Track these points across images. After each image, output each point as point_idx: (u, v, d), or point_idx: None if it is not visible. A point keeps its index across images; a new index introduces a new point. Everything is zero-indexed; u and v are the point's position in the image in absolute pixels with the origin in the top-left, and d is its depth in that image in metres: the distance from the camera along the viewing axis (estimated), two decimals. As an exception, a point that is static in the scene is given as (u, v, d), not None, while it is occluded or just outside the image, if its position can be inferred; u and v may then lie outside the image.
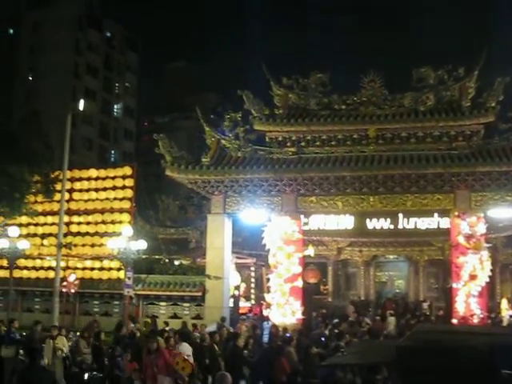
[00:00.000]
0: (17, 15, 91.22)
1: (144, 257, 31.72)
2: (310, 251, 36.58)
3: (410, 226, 31.03)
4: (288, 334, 23.27)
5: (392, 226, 31.17)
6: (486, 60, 31.49)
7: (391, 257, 47.81)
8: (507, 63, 33.45)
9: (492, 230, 32.93)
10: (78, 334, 23.75)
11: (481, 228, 29.81)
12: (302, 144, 32.05)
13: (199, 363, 18.98)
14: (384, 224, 31.19)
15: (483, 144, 30.73)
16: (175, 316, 33.05)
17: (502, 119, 31.06)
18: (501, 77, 30.74)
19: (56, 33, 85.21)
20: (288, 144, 32.06)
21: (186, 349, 18.30)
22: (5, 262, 33.54)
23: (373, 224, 31.31)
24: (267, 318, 30.72)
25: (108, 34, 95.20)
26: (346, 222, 31.51)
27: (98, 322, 25.92)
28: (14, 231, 29.48)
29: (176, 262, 38.33)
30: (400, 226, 31.08)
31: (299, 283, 31.17)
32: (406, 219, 30.86)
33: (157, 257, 36.64)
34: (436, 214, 30.62)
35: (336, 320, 29.77)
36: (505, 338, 9.03)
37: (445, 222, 30.56)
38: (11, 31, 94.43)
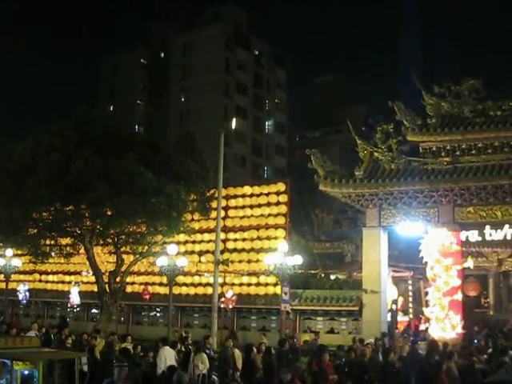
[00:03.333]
0: (167, 39, 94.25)
1: (300, 272, 31.86)
2: (470, 263, 35.59)
3: None
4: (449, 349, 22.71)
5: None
6: None
7: (555, 267, 45.85)
8: None
9: None
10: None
11: None
12: (457, 153, 31.30)
13: (359, 379, 18.80)
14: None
15: None
16: (332, 331, 32.97)
17: None
18: None
19: (205, 53, 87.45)
20: (442, 154, 31.41)
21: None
22: (164, 279, 34.44)
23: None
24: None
25: (256, 52, 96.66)
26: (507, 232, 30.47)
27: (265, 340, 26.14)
28: (172, 249, 30.23)
29: (332, 277, 38.29)
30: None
31: (459, 296, 30.42)
32: None
33: (312, 271, 36.70)
34: None
35: (500, 334, 28.87)
36: None
37: None
38: (162, 55, 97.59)
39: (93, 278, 34.47)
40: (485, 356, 22.54)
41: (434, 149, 31.59)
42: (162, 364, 19.69)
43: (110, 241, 33.17)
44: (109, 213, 30.69)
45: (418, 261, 31.80)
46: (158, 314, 40.39)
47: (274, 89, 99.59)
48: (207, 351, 21.60)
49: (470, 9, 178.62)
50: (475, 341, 29.54)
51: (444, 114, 32.43)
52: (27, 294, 41.41)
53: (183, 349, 22.77)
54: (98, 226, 31.81)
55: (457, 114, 32.33)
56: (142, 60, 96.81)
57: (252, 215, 37.44)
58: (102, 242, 33.56)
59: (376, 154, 32.07)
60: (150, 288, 38.84)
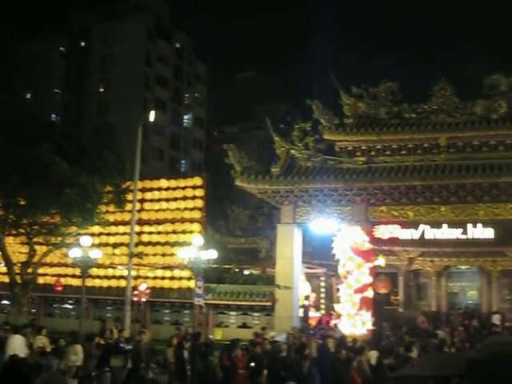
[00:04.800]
0: (88, 28, 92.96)
1: (214, 266, 31.92)
2: (381, 261, 36.31)
3: (483, 235, 30.62)
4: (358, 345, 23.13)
5: (464, 236, 30.78)
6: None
7: (463, 267, 46.94)
8: None
9: None
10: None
11: (557, 238, 29.23)
12: (372, 153, 31.91)
13: (273, 374, 18.94)
14: (455, 234, 30.83)
15: (558, 152, 30.12)
16: (245, 325, 33.17)
17: None
18: None
19: (126, 44, 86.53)
20: (358, 153, 31.95)
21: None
22: (77, 271, 34.11)
23: (444, 234, 30.96)
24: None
25: (178, 46, 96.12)
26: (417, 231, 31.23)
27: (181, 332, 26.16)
28: (86, 241, 29.92)
29: (246, 272, 38.52)
30: (471, 236, 30.69)
31: (369, 293, 31.01)
32: (477, 229, 30.44)
33: (227, 266, 36.83)
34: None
35: (407, 331, 29.54)
36: None
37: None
38: (82, 44, 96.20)
39: (4, 269, 33.92)
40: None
41: (349, 148, 32.10)
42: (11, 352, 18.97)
43: (23, 231, 32.71)
44: (22, 203, 30.22)
45: (331, 258, 32.21)
46: (70, 307, 39.94)
47: (195, 83, 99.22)
48: (121, 345, 21.47)
49: (391, 10, 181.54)
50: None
51: (361, 115, 32.99)
52: None
53: (102, 342, 22.62)
54: (11, 216, 31.30)
55: (373, 115, 32.93)
56: (61, 48, 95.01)
57: (168, 209, 37.37)
58: (14, 232, 33.03)
59: (293, 151, 32.38)
60: (62, 280, 38.42)
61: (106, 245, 37.85)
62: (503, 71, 32.19)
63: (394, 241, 33.57)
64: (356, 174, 30.79)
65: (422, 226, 31.17)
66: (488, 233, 30.93)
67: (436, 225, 31.03)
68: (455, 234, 31.01)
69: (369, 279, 30.95)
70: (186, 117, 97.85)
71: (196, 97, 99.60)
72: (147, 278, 36.84)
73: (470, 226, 30.68)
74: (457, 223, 30.71)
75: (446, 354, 18.53)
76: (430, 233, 31.29)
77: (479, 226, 30.69)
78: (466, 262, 45.53)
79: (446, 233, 31.11)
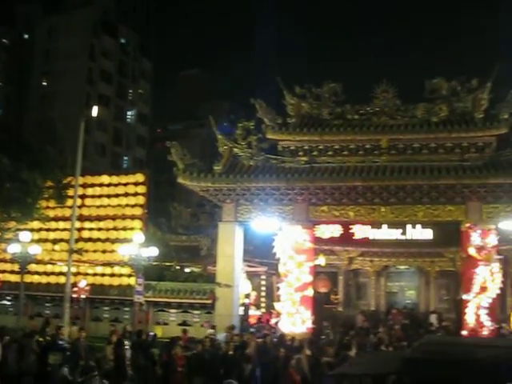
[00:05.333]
0: (32, 21, 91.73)
1: (155, 264, 31.76)
2: (321, 260, 36.57)
3: (422, 236, 31.14)
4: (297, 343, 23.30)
5: (403, 237, 31.25)
6: (500, 71, 31.51)
7: (402, 267, 47.62)
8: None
9: (503, 241, 32.87)
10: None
11: (492, 240, 29.79)
12: (314, 153, 32.10)
13: (214, 373, 18.97)
14: (395, 234, 31.27)
15: (495, 156, 30.72)
16: (185, 323, 33.09)
17: (515, 131, 31.05)
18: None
19: (71, 38, 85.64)
20: (300, 153, 32.12)
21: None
22: (16, 267, 33.54)
23: (384, 234, 31.39)
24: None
25: (122, 41, 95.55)
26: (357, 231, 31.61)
27: (119, 330, 26.00)
28: (25, 236, 29.52)
29: (187, 270, 38.45)
30: (410, 237, 31.17)
31: (309, 292, 31.20)
32: (417, 230, 30.94)
33: (168, 264, 36.70)
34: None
35: (346, 330, 29.86)
36: (510, 350, 9.04)
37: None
38: (26, 36, 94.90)
39: None
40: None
41: (292, 148, 32.25)
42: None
43: (-39, 225, 32.18)
44: (-40, 197, 29.77)
45: (272, 256, 32.30)
46: (8, 303, 39.29)
47: (139, 79, 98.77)
48: (60, 342, 21.28)
49: (338, 12, 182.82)
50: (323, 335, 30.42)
51: (304, 115, 33.16)
52: None
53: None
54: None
55: (316, 115, 33.13)
56: (3, 40, 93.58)
57: (109, 205, 37.05)
58: (-50, 226, 32.50)
59: (236, 149, 32.42)
60: (0, 276, 37.83)
61: (46, 240, 37.34)
62: (444, 75, 32.72)
63: (334, 240, 33.86)
64: (298, 174, 30.96)
65: (362, 227, 31.53)
66: (427, 234, 31.46)
67: (376, 225, 31.42)
68: (395, 234, 31.45)
69: (309, 278, 31.15)
70: (129, 113, 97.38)
71: (140, 93, 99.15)
72: (87, 274, 36.50)
73: (409, 226, 31.14)
74: (396, 224, 31.14)
75: (383, 353, 18.80)
76: (370, 233, 31.68)
77: (418, 227, 31.18)
78: (404, 263, 46.22)
79: (386, 233, 31.54)
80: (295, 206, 31.38)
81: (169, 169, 34.53)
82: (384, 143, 31.30)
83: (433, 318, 38.66)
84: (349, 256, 44.86)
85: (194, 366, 19.36)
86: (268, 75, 34.45)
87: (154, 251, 28.85)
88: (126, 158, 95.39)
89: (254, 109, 32.43)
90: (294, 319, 30.58)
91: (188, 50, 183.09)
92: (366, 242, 33.35)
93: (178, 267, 37.43)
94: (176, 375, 19.07)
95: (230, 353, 20.88)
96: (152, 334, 26.93)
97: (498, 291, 30.06)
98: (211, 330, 26.65)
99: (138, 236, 29.19)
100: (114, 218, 36.71)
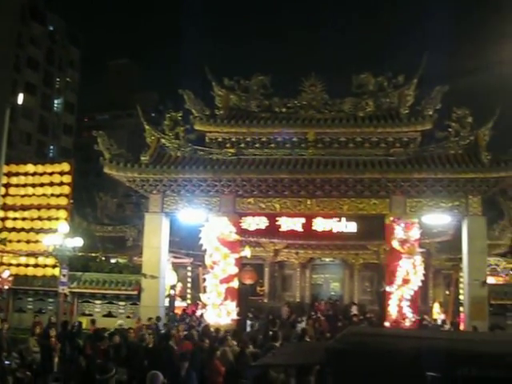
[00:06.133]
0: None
1: (80, 254, 31.49)
2: (247, 252, 36.69)
3: (347, 229, 31.58)
4: (221, 334, 23.38)
5: (328, 229, 31.61)
6: (426, 68, 32.09)
7: (327, 259, 48.18)
8: (446, 72, 34.08)
9: (426, 235, 33.59)
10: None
11: (415, 233, 30.33)
12: (242, 145, 32.19)
13: (138, 364, 18.88)
14: (321, 227, 31.62)
15: (420, 151, 31.27)
16: (110, 314, 32.83)
17: (439, 127, 31.70)
18: (439, 85, 31.37)
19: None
20: (227, 145, 32.17)
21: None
22: None
23: (309, 226, 31.70)
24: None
25: (51, 28, 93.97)
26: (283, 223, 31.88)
27: (42, 321, 25.68)
28: None
29: (112, 260, 38.14)
30: (335, 230, 31.55)
31: (235, 284, 31.28)
32: (342, 223, 31.36)
33: (93, 254, 36.38)
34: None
35: (271, 321, 30.05)
36: (431, 341, 9.24)
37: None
38: None
39: None
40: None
41: (219, 139, 32.27)
42: None
43: None
44: None
45: (198, 248, 32.30)
46: None
47: (67, 67, 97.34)
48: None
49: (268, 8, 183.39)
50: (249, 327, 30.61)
51: (232, 107, 33.21)
52: None
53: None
54: None
55: (244, 107, 33.22)
56: None
57: (34, 194, 36.40)
58: None
59: (163, 140, 32.30)
60: None
61: (-32, 230, 36.63)
62: (372, 70, 33.18)
63: (260, 232, 34.06)
64: (225, 166, 31.02)
65: (287, 219, 31.80)
66: (351, 227, 31.93)
67: (302, 217, 31.70)
68: (320, 226, 31.76)
69: (235, 270, 31.24)
70: (56, 101, 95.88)
71: (68, 81, 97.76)
72: (10, 264, 35.81)
73: (334, 219, 31.51)
74: (322, 216, 31.47)
75: (308, 344, 18.98)
76: (296, 225, 31.96)
77: (343, 220, 31.60)
78: (329, 255, 46.78)
79: (311, 226, 31.82)
80: (222, 197, 31.43)
81: (95, 159, 34.21)
82: (311, 136, 31.55)
83: (354, 310, 39.32)
84: (275, 248, 45.18)
85: (111, 358, 19.19)
86: (197, 67, 34.35)
87: (79, 242, 28.59)
88: (52, 146, 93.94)
89: (183, 100, 32.35)
90: (220, 310, 30.63)
91: (117, 39, 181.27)
92: (292, 234, 33.63)
93: (103, 258, 37.13)
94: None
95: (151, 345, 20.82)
96: (77, 323, 26.71)
97: (420, 283, 30.64)
98: (120, 321, 26.44)
99: (63, 226, 28.88)
100: (38, 207, 36.11)
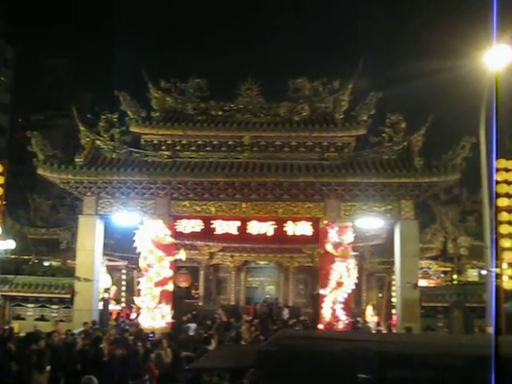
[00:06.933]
0: None
1: (12, 257, 31.04)
2: (182, 255, 36.64)
3: (281, 232, 31.72)
4: (151, 336, 23.36)
5: (263, 232, 31.72)
6: (361, 74, 32.48)
7: (262, 263, 48.32)
8: (377, 78, 34.58)
9: (360, 238, 33.97)
10: None
11: (349, 237, 30.68)
12: (178, 148, 32.11)
13: (71, 368, 18.73)
14: (255, 230, 31.72)
15: (354, 156, 31.66)
16: (43, 318, 32.43)
17: (373, 132, 32.16)
18: (373, 91, 31.78)
19: None
20: (163, 147, 32.05)
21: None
22: None
23: (244, 229, 31.78)
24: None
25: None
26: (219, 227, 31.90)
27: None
28: None
29: (46, 263, 37.66)
30: (270, 233, 31.68)
31: (170, 287, 31.20)
32: (276, 226, 31.49)
33: (26, 257, 35.87)
34: (305, 222, 31.41)
35: (206, 324, 30.13)
36: (362, 343, 9.39)
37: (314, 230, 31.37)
38: None
39: None
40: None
41: (155, 142, 32.13)
42: None
43: None
44: None
45: (133, 251, 32.11)
46: None
47: (0, 66, 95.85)
48: None
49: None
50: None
51: (168, 109, 33.11)
52: None
53: None
54: None
55: (180, 110, 33.14)
56: None
57: (-35, 195, 35.77)
58: None
59: (98, 142, 32.05)
60: None
61: None
62: (308, 75, 33.45)
63: (195, 235, 34.03)
64: (160, 168, 30.91)
65: (223, 222, 31.82)
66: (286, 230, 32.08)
67: (237, 221, 31.77)
68: (255, 230, 31.86)
69: (169, 273, 31.16)
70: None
71: (1, 81, 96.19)
72: None
73: (269, 223, 31.64)
74: (257, 220, 31.59)
75: (241, 347, 19.10)
76: (231, 228, 32.00)
77: (278, 223, 31.74)
78: (264, 258, 46.90)
79: (246, 229, 31.91)
80: (157, 200, 31.31)
81: (29, 159, 33.72)
82: (246, 140, 31.67)
83: (285, 313, 39.60)
84: (210, 251, 45.11)
85: (35, 362, 18.92)
86: (134, 68, 34.16)
87: (11, 244, 28.24)
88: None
89: (119, 101, 32.15)
90: (154, 314, 30.52)
91: (53, 39, 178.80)
92: (227, 237, 33.67)
93: (36, 261, 36.63)
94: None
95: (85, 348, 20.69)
96: (7, 327, 26.33)
97: (354, 286, 31.00)
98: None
99: (-5, 228, 28.43)
100: (-31, 209, 35.47)
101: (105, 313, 33.68)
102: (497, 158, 29.17)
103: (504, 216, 29.23)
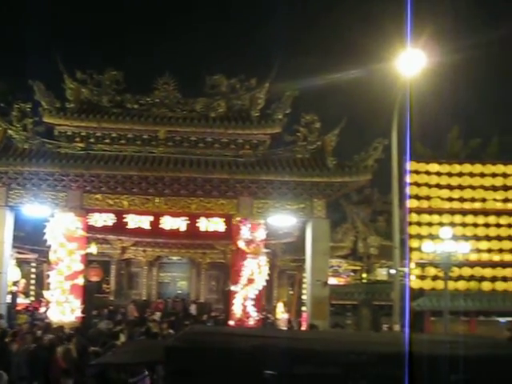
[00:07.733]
0: None
1: None
2: (93, 249, 36.30)
3: (193, 228, 31.72)
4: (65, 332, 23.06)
5: (176, 228, 31.66)
6: (278, 73, 32.72)
7: (175, 258, 48.30)
8: (293, 77, 34.89)
9: (272, 236, 34.26)
10: None
11: (261, 234, 30.87)
12: (91, 140, 31.71)
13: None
14: (168, 225, 31.63)
15: (268, 154, 31.85)
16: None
17: (288, 131, 32.41)
18: (289, 90, 32.04)
19: None
20: (77, 139, 31.61)
21: None
22: None
23: (157, 224, 31.66)
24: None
25: None
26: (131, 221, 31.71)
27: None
28: None
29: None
30: (182, 229, 31.65)
31: (80, 281, 30.81)
32: (189, 222, 31.46)
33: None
34: (218, 218, 31.49)
35: (116, 319, 29.93)
36: (271, 340, 9.47)
37: (227, 227, 31.47)
38: None
39: None
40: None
41: (69, 133, 31.67)
42: None
43: None
44: None
45: (44, 243, 31.61)
46: None
47: None
48: None
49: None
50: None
51: (83, 101, 32.68)
52: None
53: None
54: None
55: (96, 102, 32.75)
56: None
57: None
58: None
59: (10, 131, 31.34)
60: None
61: None
62: (225, 72, 33.53)
63: (107, 229, 33.71)
64: (73, 160, 30.46)
65: (135, 216, 31.62)
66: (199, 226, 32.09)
67: (150, 215, 31.62)
68: (168, 225, 31.76)
69: (80, 266, 30.75)
70: None
71: None
72: None
73: (182, 218, 31.59)
74: (170, 215, 31.50)
75: (148, 342, 19.02)
76: (144, 223, 31.83)
77: (191, 218, 31.72)
78: (177, 253, 46.91)
79: (159, 224, 31.80)
80: (69, 192, 30.85)
81: None
82: (161, 134, 31.53)
83: (193, 309, 39.66)
84: (122, 245, 44.85)
85: None
86: (50, 58, 33.53)
87: None
88: None
89: (33, 91, 31.58)
90: (64, 308, 30.08)
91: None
92: (139, 232, 33.47)
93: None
94: None
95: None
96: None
97: (265, 283, 31.23)
98: None
99: None
100: None
101: (13, 306, 33.09)
102: (408, 161, 29.95)
103: (413, 217, 29.99)
